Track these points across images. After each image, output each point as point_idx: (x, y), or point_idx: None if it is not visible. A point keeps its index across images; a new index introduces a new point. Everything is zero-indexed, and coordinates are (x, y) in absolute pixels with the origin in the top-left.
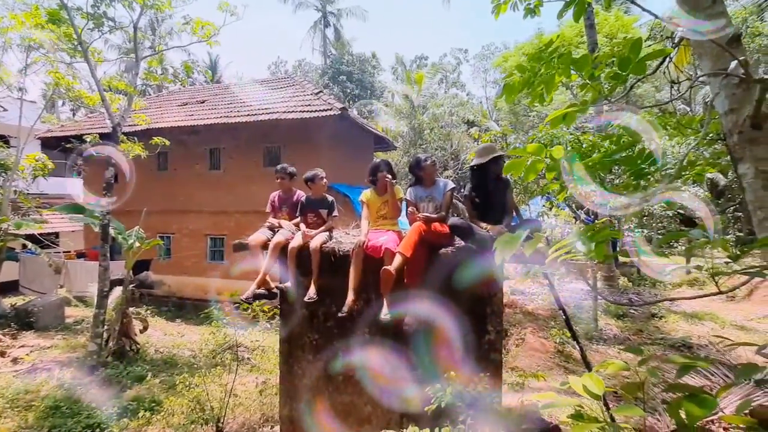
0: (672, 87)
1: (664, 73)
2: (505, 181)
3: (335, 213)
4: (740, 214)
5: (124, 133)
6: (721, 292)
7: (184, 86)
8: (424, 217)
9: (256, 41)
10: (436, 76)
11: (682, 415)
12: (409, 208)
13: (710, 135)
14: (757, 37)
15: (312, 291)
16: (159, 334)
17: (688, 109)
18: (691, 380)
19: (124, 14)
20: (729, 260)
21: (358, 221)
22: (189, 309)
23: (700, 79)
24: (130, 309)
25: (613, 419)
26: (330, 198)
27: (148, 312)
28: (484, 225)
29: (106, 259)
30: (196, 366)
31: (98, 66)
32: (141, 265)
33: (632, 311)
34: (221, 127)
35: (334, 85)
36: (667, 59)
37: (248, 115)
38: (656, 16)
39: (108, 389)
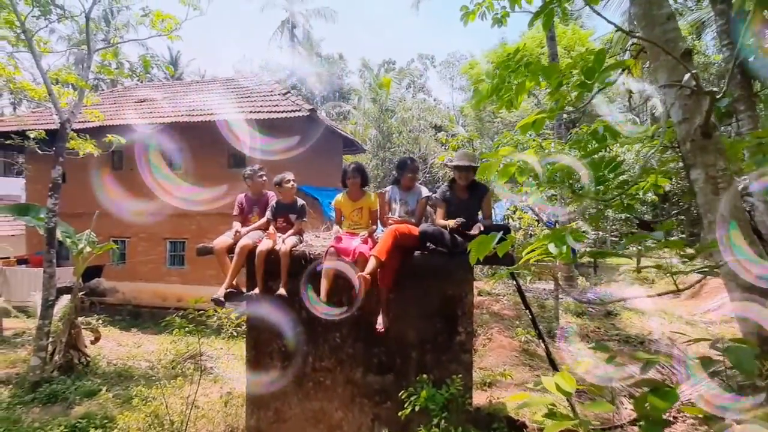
0: (630, 97)
1: (624, 83)
2: (483, 188)
3: (305, 217)
4: (683, 217)
5: (74, 130)
6: (679, 290)
7: (141, 82)
8: (396, 219)
9: (221, 38)
10: (404, 81)
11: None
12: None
13: (663, 143)
14: (696, 54)
15: (282, 290)
16: (112, 345)
17: (638, 119)
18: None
19: (75, 3)
20: (685, 260)
21: (328, 224)
22: (146, 317)
23: (647, 92)
24: (80, 319)
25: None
26: (300, 202)
27: (100, 322)
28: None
29: (51, 266)
30: (153, 378)
31: (44, 57)
32: (92, 272)
33: (590, 309)
34: (182, 125)
35: (303, 86)
36: (626, 71)
37: (212, 114)
38: (620, 29)
39: (53, 407)
